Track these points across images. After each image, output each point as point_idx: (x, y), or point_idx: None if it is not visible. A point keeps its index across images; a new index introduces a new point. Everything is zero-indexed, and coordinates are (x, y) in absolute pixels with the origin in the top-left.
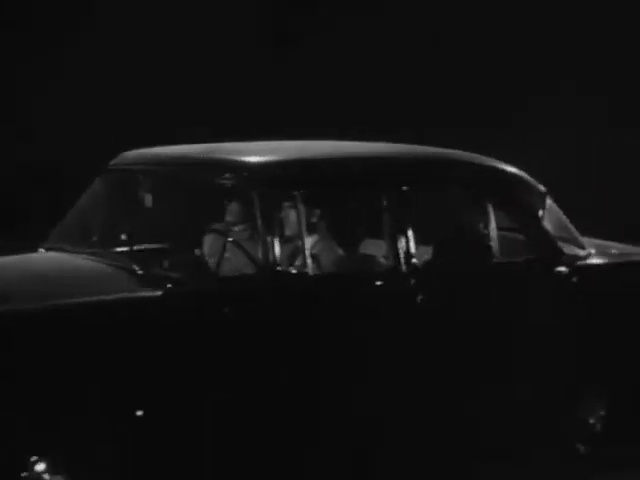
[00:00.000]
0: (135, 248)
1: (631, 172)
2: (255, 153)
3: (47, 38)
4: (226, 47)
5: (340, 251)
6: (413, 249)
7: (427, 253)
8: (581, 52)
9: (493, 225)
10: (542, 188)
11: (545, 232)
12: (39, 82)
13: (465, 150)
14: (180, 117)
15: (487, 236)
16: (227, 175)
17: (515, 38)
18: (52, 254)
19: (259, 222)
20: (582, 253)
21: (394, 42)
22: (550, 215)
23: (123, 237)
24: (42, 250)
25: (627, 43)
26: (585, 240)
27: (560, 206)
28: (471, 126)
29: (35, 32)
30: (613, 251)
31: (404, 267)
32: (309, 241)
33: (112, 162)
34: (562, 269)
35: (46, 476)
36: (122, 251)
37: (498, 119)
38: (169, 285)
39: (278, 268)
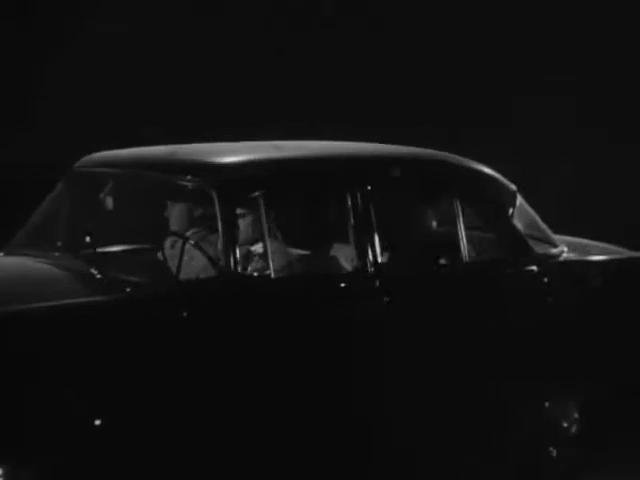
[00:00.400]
0: (96, 251)
1: (630, 176)
2: (217, 154)
3: (46, 39)
4: (226, 46)
5: (292, 253)
6: (379, 250)
7: (394, 254)
8: (580, 56)
9: (462, 224)
10: (512, 186)
11: (515, 231)
12: (38, 82)
13: (459, 151)
14: (181, 115)
15: (456, 235)
16: (188, 177)
17: (516, 45)
18: (9, 258)
19: (219, 224)
20: (553, 251)
21: (391, 42)
22: (520, 214)
23: (85, 240)
24: (0, 254)
25: (628, 47)
26: (557, 238)
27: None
28: (469, 127)
29: (34, 32)
30: (587, 249)
31: (370, 268)
32: (260, 243)
33: (75, 165)
34: (532, 268)
35: None
36: (81, 254)
37: (496, 120)
38: (127, 289)
39: (239, 271)
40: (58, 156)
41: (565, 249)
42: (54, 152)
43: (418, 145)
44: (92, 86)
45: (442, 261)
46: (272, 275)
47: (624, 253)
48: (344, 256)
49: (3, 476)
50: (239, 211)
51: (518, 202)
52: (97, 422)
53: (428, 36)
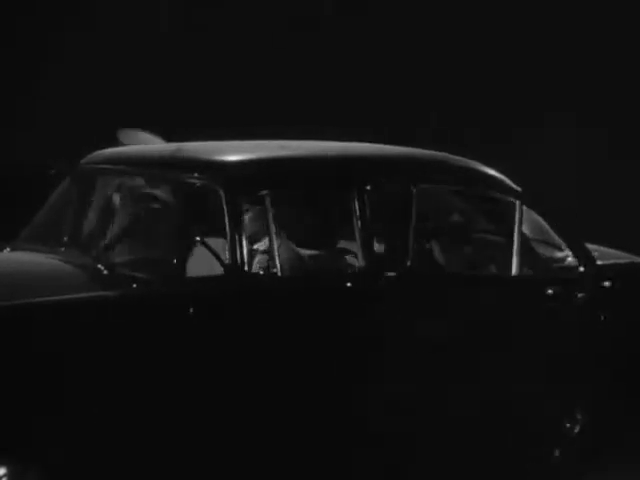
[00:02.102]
0: (103, 248)
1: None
2: (225, 152)
3: (47, 39)
4: (226, 46)
5: (298, 252)
6: (384, 250)
7: (399, 253)
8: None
9: (467, 226)
10: (518, 189)
11: (521, 234)
12: (38, 83)
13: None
14: (181, 116)
15: (461, 238)
16: (195, 174)
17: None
18: (16, 253)
19: (227, 222)
20: (559, 255)
21: (392, 42)
22: (526, 217)
23: (92, 237)
24: (7, 250)
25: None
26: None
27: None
28: (469, 127)
29: (35, 32)
30: (594, 254)
31: (375, 267)
32: (265, 241)
33: (83, 161)
34: (538, 271)
35: None
36: (88, 250)
37: (499, 135)
38: (134, 285)
39: (246, 269)
40: (58, 156)
41: (570, 253)
42: (54, 152)
43: (419, 146)
44: (92, 86)
45: (447, 263)
46: (279, 273)
47: (632, 258)
48: (350, 255)
49: (8, 475)
50: (251, 207)
51: (524, 205)
52: (103, 419)
53: (429, 36)
